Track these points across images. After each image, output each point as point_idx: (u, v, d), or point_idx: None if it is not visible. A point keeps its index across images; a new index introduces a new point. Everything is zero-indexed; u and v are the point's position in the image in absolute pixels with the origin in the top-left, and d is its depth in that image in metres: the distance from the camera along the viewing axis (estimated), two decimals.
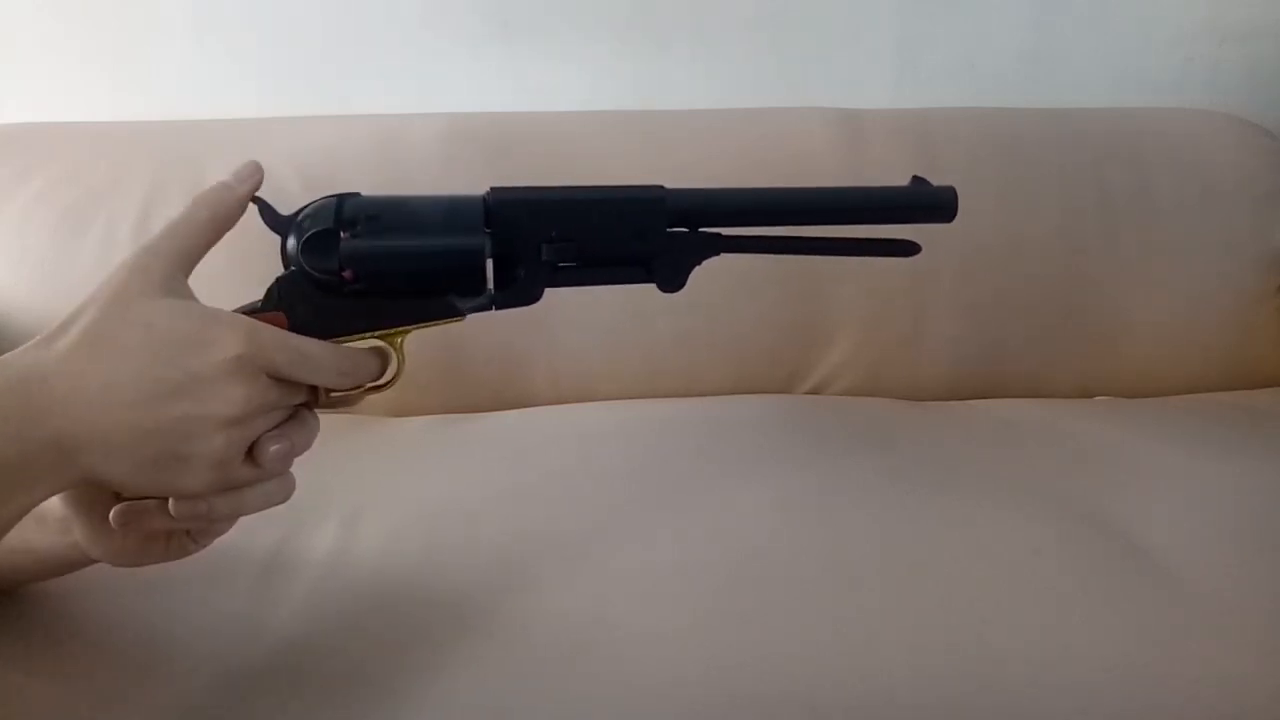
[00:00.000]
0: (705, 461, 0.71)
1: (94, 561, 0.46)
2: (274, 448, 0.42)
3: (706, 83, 1.04)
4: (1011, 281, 0.90)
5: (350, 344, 0.45)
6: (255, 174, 0.46)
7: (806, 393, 0.91)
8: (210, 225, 0.44)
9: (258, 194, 0.45)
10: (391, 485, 0.68)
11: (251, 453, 0.42)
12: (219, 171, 0.88)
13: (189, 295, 0.42)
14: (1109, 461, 0.71)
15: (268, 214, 0.45)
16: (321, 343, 0.44)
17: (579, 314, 0.87)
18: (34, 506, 0.39)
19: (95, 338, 0.39)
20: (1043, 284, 0.90)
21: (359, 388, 0.48)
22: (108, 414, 0.38)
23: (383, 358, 0.46)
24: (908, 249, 0.52)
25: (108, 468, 0.39)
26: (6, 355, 0.39)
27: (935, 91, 1.03)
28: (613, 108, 0.99)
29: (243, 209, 0.45)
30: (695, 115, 0.95)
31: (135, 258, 0.41)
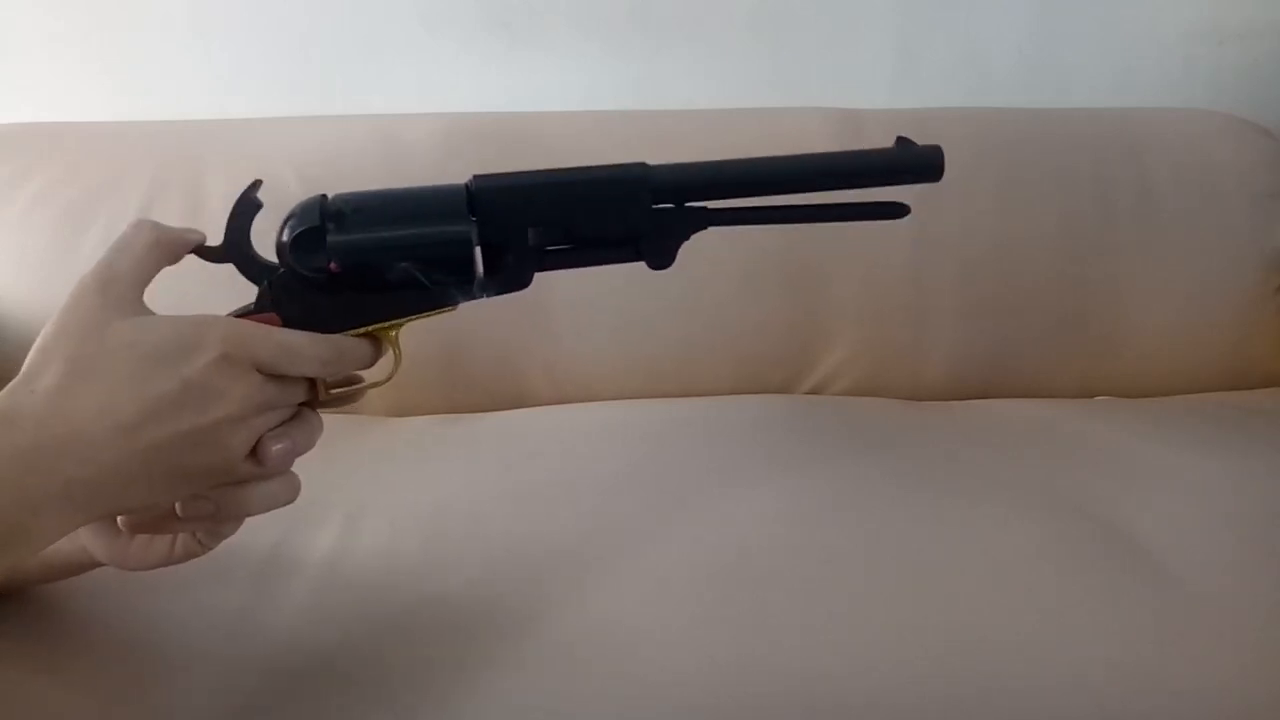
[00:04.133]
0: (705, 462, 0.71)
1: (100, 565, 0.46)
2: (276, 446, 0.42)
3: (706, 82, 1.04)
4: (1011, 281, 0.90)
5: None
6: (200, 235, 0.45)
7: (806, 393, 0.90)
8: (151, 250, 0.43)
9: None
10: (391, 485, 0.68)
11: (255, 451, 0.42)
12: (219, 171, 0.89)
13: (150, 312, 0.42)
14: (1109, 461, 0.71)
15: (205, 252, 0.45)
16: (303, 333, 0.43)
17: (579, 314, 0.87)
18: (44, 548, 0.38)
19: (82, 369, 0.38)
20: (1043, 284, 0.90)
21: (355, 381, 0.48)
22: (115, 445, 0.37)
23: (373, 344, 0.46)
24: (897, 210, 0.51)
25: (122, 501, 0.39)
26: None
27: (935, 91, 1.03)
28: (612, 108, 0.99)
29: (182, 252, 0.44)
30: (694, 115, 0.95)
31: (95, 280, 0.40)
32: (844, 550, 0.59)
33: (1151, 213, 0.91)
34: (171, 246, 0.44)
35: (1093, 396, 0.91)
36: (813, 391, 0.91)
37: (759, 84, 1.04)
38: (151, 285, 0.43)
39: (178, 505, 0.42)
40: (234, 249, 0.45)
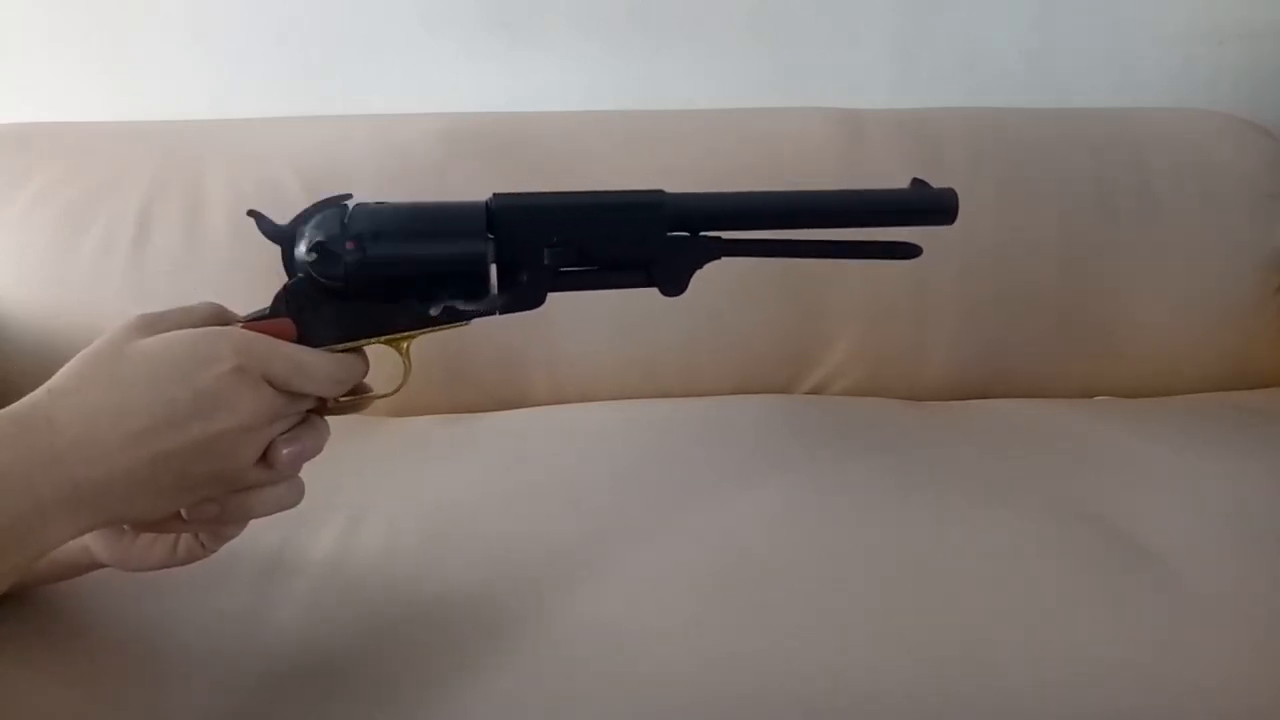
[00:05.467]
0: (705, 462, 0.71)
1: (104, 565, 0.46)
2: (286, 451, 0.42)
3: (706, 82, 1.04)
4: (1012, 281, 0.90)
5: (352, 348, 0.46)
6: None
7: (807, 393, 0.91)
8: (215, 319, 0.44)
9: (253, 207, 0.46)
10: (392, 485, 0.68)
11: (265, 456, 0.42)
12: (219, 171, 0.89)
13: None
14: (1109, 461, 0.71)
15: (265, 225, 0.45)
16: (315, 351, 0.44)
17: (579, 315, 0.87)
18: (50, 550, 0.38)
19: (98, 373, 0.39)
20: (1043, 284, 0.90)
21: (362, 390, 0.48)
22: (125, 450, 0.37)
23: (365, 359, 0.47)
24: (909, 251, 0.52)
25: (129, 508, 0.39)
26: (6, 408, 0.38)
27: (935, 91, 1.03)
28: (612, 108, 0.99)
29: None
30: (695, 115, 0.95)
31: (141, 315, 0.42)
32: (844, 550, 0.59)
33: (1151, 213, 0.91)
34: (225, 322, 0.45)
35: (1093, 396, 0.91)
36: (813, 391, 0.91)
37: (759, 84, 1.04)
38: (162, 294, 0.43)
39: (183, 509, 0.42)
40: (289, 237, 0.45)
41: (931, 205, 0.51)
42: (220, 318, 0.44)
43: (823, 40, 1.03)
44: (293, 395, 0.43)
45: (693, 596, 0.55)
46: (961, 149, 0.91)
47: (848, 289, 0.89)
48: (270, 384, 0.41)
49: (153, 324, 0.41)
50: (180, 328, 0.42)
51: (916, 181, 0.52)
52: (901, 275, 0.88)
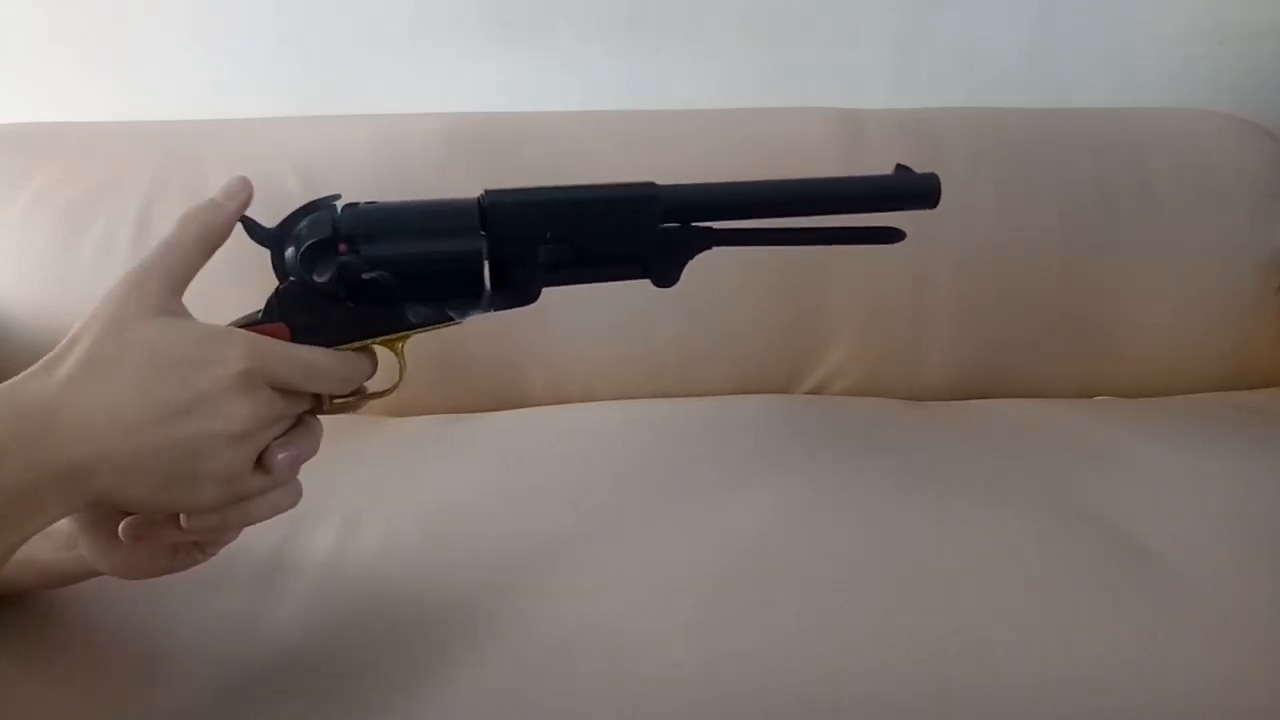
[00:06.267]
0: (705, 462, 0.71)
1: (99, 574, 0.46)
2: (282, 455, 0.42)
3: (705, 82, 1.04)
4: (1011, 281, 0.90)
5: (348, 349, 0.46)
6: (244, 189, 0.45)
7: (806, 393, 0.91)
8: (200, 244, 0.43)
9: (253, 207, 0.45)
10: (391, 485, 0.68)
11: (260, 461, 0.42)
12: (219, 171, 0.89)
13: (185, 313, 0.42)
14: (1109, 461, 0.71)
15: (254, 229, 0.45)
16: (324, 351, 0.44)
17: (579, 314, 0.87)
18: (43, 529, 0.38)
19: (97, 361, 0.38)
20: (1042, 284, 0.90)
21: (359, 390, 0.48)
22: (116, 439, 0.37)
23: (373, 356, 0.47)
24: (892, 236, 0.54)
25: (120, 491, 0.39)
26: (6, 383, 0.38)
27: (935, 91, 1.03)
28: (612, 108, 0.99)
29: (231, 226, 0.44)
30: (694, 115, 0.95)
31: (130, 278, 0.41)
32: (843, 550, 0.59)
33: (1151, 213, 0.91)
34: (220, 229, 0.43)
35: (1093, 396, 0.91)
36: (813, 391, 0.91)
37: (759, 84, 1.04)
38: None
39: (182, 517, 0.42)
40: (279, 240, 0.45)
41: (914, 190, 0.52)
42: (205, 233, 0.43)
43: (823, 40, 1.03)
44: (293, 398, 0.43)
45: (691, 596, 0.55)
46: (961, 149, 0.91)
47: (848, 289, 0.89)
48: (273, 387, 0.41)
49: (143, 280, 0.41)
50: (168, 275, 0.41)
51: (900, 167, 0.53)
52: (901, 275, 0.88)
